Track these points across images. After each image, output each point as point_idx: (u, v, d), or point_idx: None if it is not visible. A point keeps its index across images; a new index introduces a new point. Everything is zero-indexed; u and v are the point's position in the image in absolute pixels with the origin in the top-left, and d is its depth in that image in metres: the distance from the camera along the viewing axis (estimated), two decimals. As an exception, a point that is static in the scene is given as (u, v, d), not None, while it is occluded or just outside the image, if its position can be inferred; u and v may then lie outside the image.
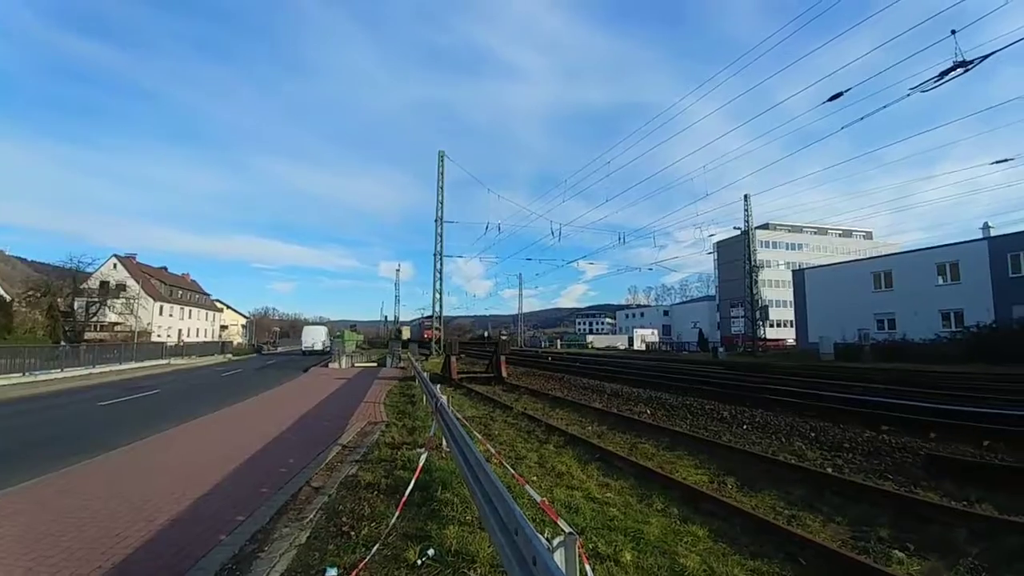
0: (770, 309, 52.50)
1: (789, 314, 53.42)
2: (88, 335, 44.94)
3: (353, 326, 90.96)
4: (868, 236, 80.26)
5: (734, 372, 23.52)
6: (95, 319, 48.19)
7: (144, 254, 73.95)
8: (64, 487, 6.32)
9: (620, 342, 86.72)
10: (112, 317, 50.18)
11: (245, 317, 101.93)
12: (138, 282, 54.82)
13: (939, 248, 35.29)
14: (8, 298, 42.07)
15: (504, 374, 21.67)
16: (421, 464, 5.75)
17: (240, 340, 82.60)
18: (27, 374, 21.33)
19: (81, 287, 46.73)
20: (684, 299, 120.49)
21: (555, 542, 2.44)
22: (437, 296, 36.04)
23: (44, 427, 11.50)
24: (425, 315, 47.16)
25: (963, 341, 28.53)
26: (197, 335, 72.72)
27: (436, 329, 40.56)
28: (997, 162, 18.45)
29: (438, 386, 9.71)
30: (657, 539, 4.65)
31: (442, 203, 34.88)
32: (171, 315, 66.66)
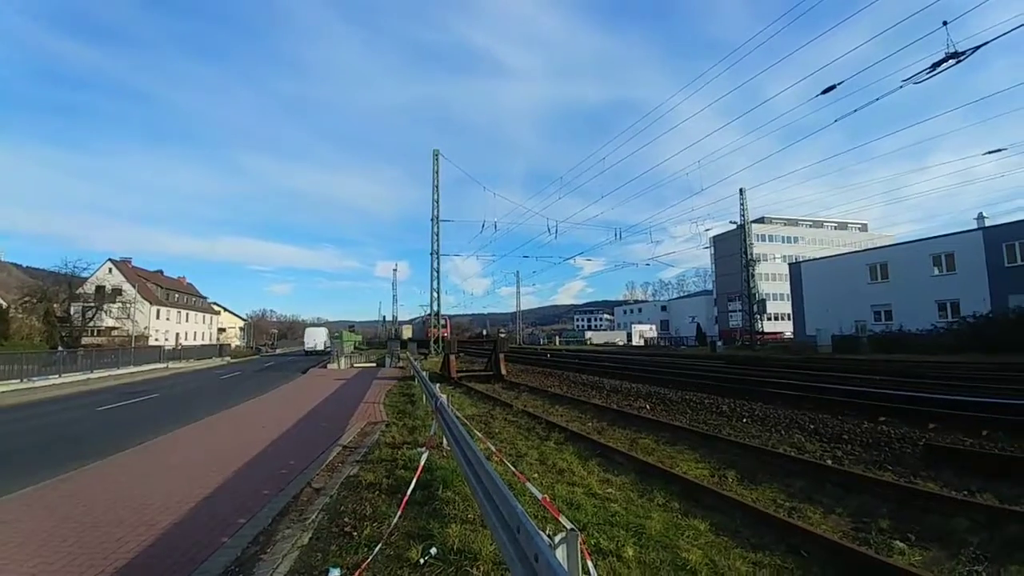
0: (767, 302, 52.59)
1: (786, 307, 53.51)
2: (85, 340, 44.78)
3: (351, 327, 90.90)
4: (863, 228, 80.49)
5: (733, 366, 23.58)
6: (92, 324, 47.99)
7: (139, 258, 73.68)
8: (65, 492, 6.31)
9: (618, 338, 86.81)
10: (109, 322, 50.00)
11: (243, 319, 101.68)
12: (134, 286, 54.61)
13: (934, 239, 35.38)
14: (4, 304, 41.83)
15: (503, 372, 21.67)
16: (422, 463, 5.76)
17: (238, 343, 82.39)
18: (25, 380, 21.26)
19: (77, 292, 46.48)
20: (681, 294, 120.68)
21: (557, 539, 2.44)
22: (435, 295, 35.99)
23: (44, 433, 11.48)
24: (429, 312, 42.75)
25: (959, 331, 28.64)
26: (195, 338, 72.47)
27: (441, 327, 38.63)
28: (989, 152, 18.58)
29: (437, 385, 9.71)
30: (659, 534, 4.66)
31: (437, 202, 34.82)
32: (168, 319, 66.44)
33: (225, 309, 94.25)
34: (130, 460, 8.14)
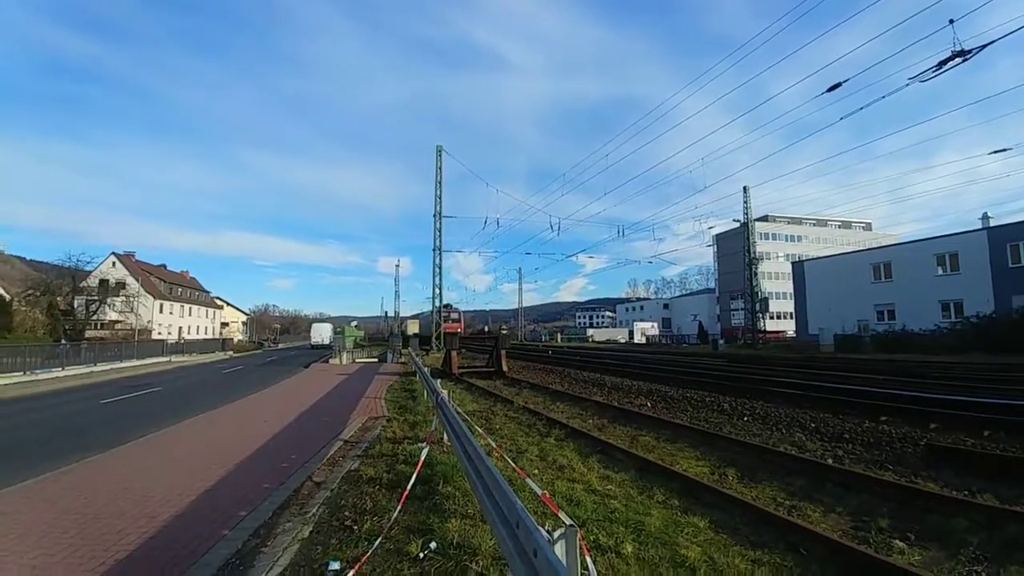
0: (770, 301, 52.49)
1: (789, 306, 53.45)
2: (88, 333, 44.92)
3: (354, 323, 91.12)
4: (867, 227, 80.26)
5: (734, 364, 23.56)
6: (95, 317, 48.16)
7: (143, 252, 73.80)
8: (67, 484, 6.34)
9: (620, 335, 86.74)
10: (112, 315, 50.18)
11: (245, 314, 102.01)
12: (137, 280, 54.81)
13: (938, 239, 35.26)
14: (8, 297, 42.02)
15: (505, 368, 21.69)
16: (422, 458, 5.78)
17: (241, 337, 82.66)
18: (28, 373, 21.37)
19: (80, 285, 46.64)
20: (684, 292, 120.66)
21: (556, 534, 2.44)
22: (437, 291, 36.01)
23: (47, 425, 11.53)
24: (439, 305, 38.52)
25: (963, 331, 28.55)
26: (197, 332, 72.76)
27: (453, 320, 35.36)
28: (995, 152, 18.46)
29: (439, 381, 9.73)
30: (658, 531, 4.67)
31: (440, 198, 34.84)
32: (171, 313, 66.68)
33: (228, 304, 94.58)
34: (132, 453, 8.18)
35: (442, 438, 7.63)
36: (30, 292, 43.03)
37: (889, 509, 5.26)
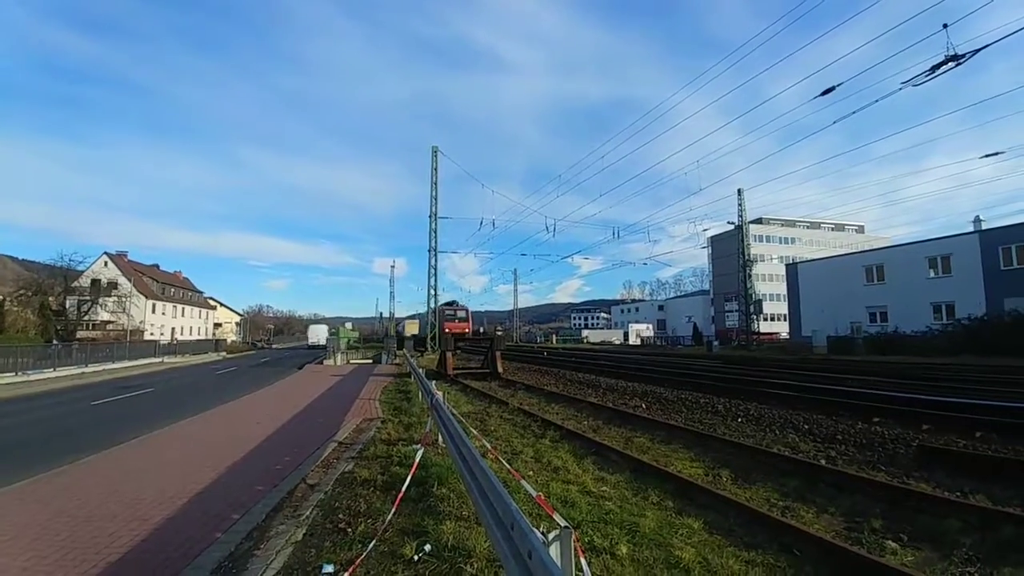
0: (764, 303, 52.80)
1: (783, 308, 53.66)
2: (80, 334, 44.62)
3: (349, 324, 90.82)
4: (860, 230, 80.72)
5: (728, 366, 23.63)
6: (87, 318, 47.83)
7: (135, 252, 72.95)
8: (59, 486, 6.28)
9: (615, 337, 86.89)
10: (104, 315, 49.86)
11: (239, 315, 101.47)
12: (130, 280, 54.51)
13: (931, 241, 35.55)
14: (0, 297, 41.71)
15: (500, 370, 21.67)
16: (417, 460, 5.76)
17: (234, 338, 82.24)
18: (20, 373, 21.21)
19: (72, 285, 46.32)
20: (678, 294, 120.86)
21: (551, 536, 2.44)
22: (432, 292, 35.92)
23: (38, 426, 11.44)
24: (445, 302, 34.62)
25: (954, 333, 28.77)
26: (190, 333, 72.35)
27: (460, 320, 30.47)
28: (987, 156, 18.57)
29: (434, 382, 9.70)
30: (653, 532, 4.67)
31: (436, 198, 34.76)
32: (164, 313, 66.27)
33: (221, 304, 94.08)
34: (124, 455, 8.12)
35: (437, 440, 7.61)
36: (22, 292, 42.70)
37: (882, 510, 5.29)
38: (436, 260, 35.09)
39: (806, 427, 9.45)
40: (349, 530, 4.68)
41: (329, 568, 3.88)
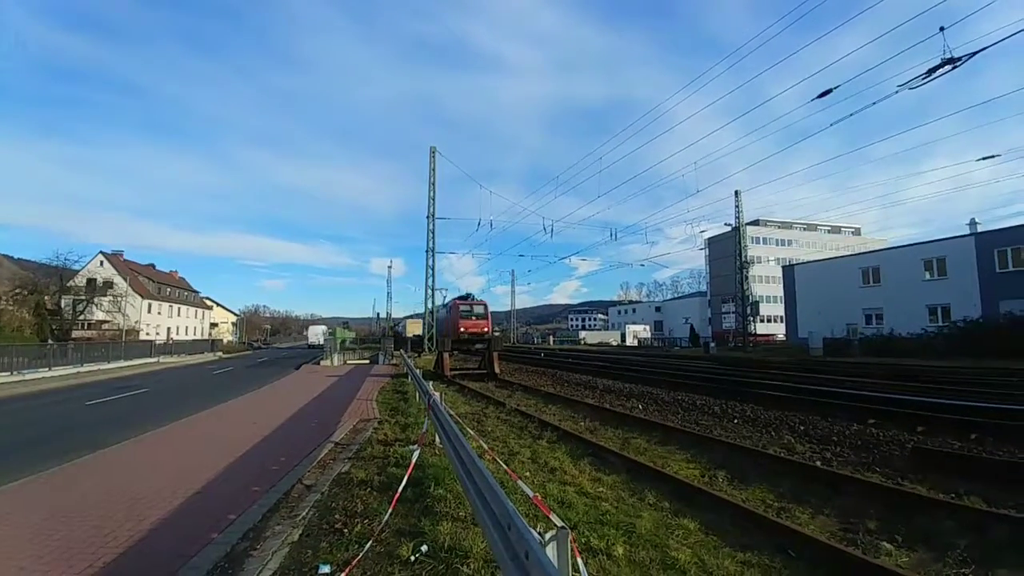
0: (760, 304, 52.92)
1: (779, 309, 53.80)
2: (75, 333, 44.35)
3: (346, 323, 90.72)
4: (857, 232, 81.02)
5: (725, 367, 23.68)
6: (82, 317, 47.57)
7: (131, 251, 72.76)
8: (55, 487, 6.27)
9: (612, 338, 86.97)
10: (99, 315, 49.56)
11: (235, 315, 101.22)
12: (125, 279, 54.24)
13: (926, 244, 35.66)
14: (-6, 296, 41.49)
15: (497, 370, 21.69)
16: (414, 461, 5.76)
17: (230, 338, 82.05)
18: (15, 373, 21.09)
19: (68, 285, 46.06)
20: (676, 295, 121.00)
21: (547, 536, 2.45)
22: (429, 292, 35.90)
23: (34, 426, 11.38)
24: (459, 296, 30.09)
25: (950, 336, 28.88)
26: (186, 333, 72.09)
27: (478, 317, 25.72)
28: (984, 158, 18.63)
29: (431, 383, 9.71)
30: (649, 533, 4.68)
31: (434, 199, 34.73)
32: (160, 313, 66.01)
33: (217, 304, 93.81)
34: (119, 455, 8.09)
35: (434, 440, 7.61)
36: (17, 291, 42.44)
37: (877, 511, 5.31)
38: (434, 260, 35.04)
39: (802, 428, 9.48)
40: (345, 531, 4.68)
41: (326, 569, 3.88)
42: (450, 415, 6.64)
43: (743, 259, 47.39)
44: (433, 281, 34.84)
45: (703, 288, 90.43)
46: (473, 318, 26.03)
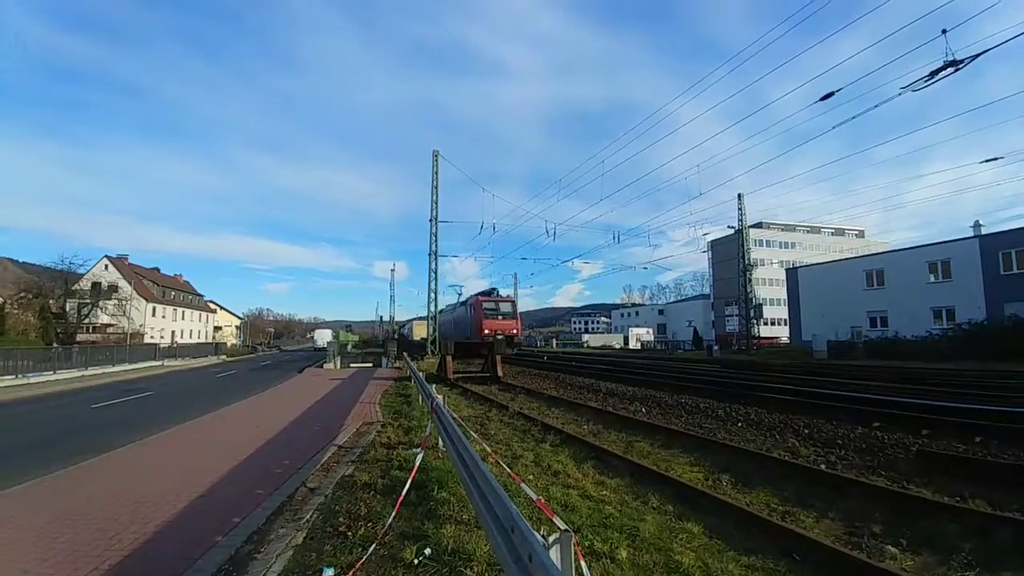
0: (764, 307, 52.70)
1: (783, 312, 53.63)
2: (80, 337, 44.58)
3: (348, 326, 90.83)
4: (860, 235, 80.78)
5: (728, 370, 23.61)
6: (87, 321, 47.82)
7: (136, 255, 73.54)
8: (59, 490, 6.29)
9: (615, 341, 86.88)
10: (104, 319, 49.83)
11: (239, 318, 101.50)
12: (130, 283, 54.56)
13: (931, 246, 35.56)
14: (0, 300, 41.72)
15: (500, 374, 21.66)
16: (417, 464, 5.76)
17: (234, 341, 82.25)
18: (20, 376, 21.21)
19: (73, 288, 46.30)
20: (679, 298, 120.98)
21: (551, 539, 2.45)
22: (432, 295, 35.96)
23: (39, 429, 11.44)
24: (482, 291, 26.16)
25: (955, 338, 28.76)
26: (190, 336, 72.31)
27: (506, 316, 21.61)
28: (987, 161, 18.60)
29: (434, 386, 9.71)
30: (652, 536, 4.68)
31: (436, 202, 34.82)
32: (164, 316, 66.27)
33: (221, 307, 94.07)
34: (124, 458, 8.12)
35: (437, 443, 7.61)
36: (23, 295, 42.72)
37: (881, 514, 5.29)
38: (437, 264, 35.11)
39: (806, 432, 9.45)
40: (349, 534, 4.69)
41: (329, 571, 3.89)
42: (453, 418, 6.65)
43: (746, 262, 47.30)
44: (436, 284, 34.91)
45: (706, 291, 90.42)
46: (500, 317, 22.04)
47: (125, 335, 48.04)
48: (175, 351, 40.26)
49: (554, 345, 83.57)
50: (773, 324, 63.62)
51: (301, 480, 6.64)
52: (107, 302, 49.56)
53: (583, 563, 2.80)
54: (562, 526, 2.77)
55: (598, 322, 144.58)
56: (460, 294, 32.63)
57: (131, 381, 23.58)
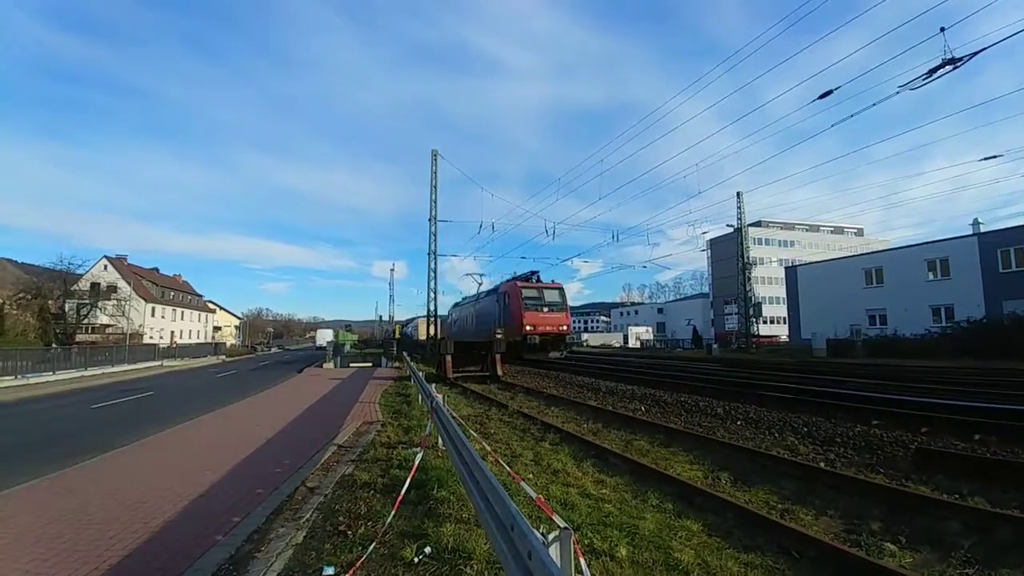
0: (763, 306, 52.79)
1: (782, 310, 53.70)
2: (79, 337, 44.51)
3: (348, 326, 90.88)
4: (859, 233, 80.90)
5: (728, 368, 23.60)
6: (86, 321, 47.75)
7: (135, 255, 73.37)
8: (60, 490, 6.29)
9: (615, 340, 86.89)
10: (103, 319, 49.77)
11: (238, 318, 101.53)
12: (129, 283, 54.53)
13: (929, 244, 35.61)
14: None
15: (499, 373, 21.66)
16: (417, 463, 5.77)
17: (233, 341, 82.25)
18: (20, 377, 21.23)
19: (72, 289, 46.22)
20: (678, 296, 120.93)
21: (550, 537, 2.46)
22: (432, 295, 35.95)
23: (38, 430, 11.44)
24: (520, 275, 21.95)
25: (953, 336, 28.79)
26: (190, 336, 72.26)
27: (553, 308, 17.59)
28: (985, 159, 18.60)
29: (433, 385, 9.72)
30: (652, 534, 4.69)
31: (435, 202, 34.80)
32: (163, 316, 66.24)
33: (220, 307, 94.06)
34: (124, 458, 8.12)
35: (437, 442, 7.62)
36: (21, 295, 42.62)
37: (880, 512, 5.30)
38: (436, 263, 35.09)
39: (805, 430, 9.45)
40: (349, 533, 4.70)
41: (330, 570, 3.89)
42: (453, 417, 6.65)
43: (745, 260, 47.31)
44: (436, 283, 34.90)
45: (705, 289, 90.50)
46: (545, 309, 17.32)
47: (124, 335, 48.03)
48: (174, 351, 40.26)
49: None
50: (772, 322, 63.67)
51: (301, 479, 6.65)
52: (106, 303, 49.49)
53: (583, 561, 2.81)
54: (562, 524, 2.78)
55: (597, 321, 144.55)
56: (480, 283, 26.98)
57: (130, 381, 23.57)
